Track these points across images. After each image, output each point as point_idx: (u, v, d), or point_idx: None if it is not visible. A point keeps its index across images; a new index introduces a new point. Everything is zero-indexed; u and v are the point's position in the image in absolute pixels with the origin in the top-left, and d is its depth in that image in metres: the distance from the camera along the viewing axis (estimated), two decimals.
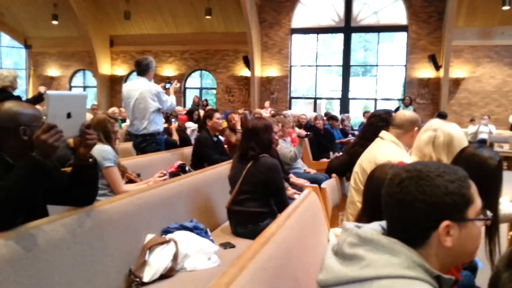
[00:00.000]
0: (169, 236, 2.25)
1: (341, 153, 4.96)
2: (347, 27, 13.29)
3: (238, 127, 5.12)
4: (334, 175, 3.31)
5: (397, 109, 10.23)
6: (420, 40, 12.42)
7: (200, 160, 4.17)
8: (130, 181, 3.07)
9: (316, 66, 14.07)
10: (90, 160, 1.72)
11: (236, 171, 2.82)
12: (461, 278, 1.11)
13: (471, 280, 2.00)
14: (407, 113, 2.54)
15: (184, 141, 5.90)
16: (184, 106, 13.21)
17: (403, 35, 12.97)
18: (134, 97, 4.09)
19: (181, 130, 6.31)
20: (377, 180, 1.45)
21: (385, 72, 14.03)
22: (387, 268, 0.88)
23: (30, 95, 14.48)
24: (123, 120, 9.00)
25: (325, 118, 7.96)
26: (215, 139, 4.43)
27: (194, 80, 15.64)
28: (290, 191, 3.58)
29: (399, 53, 13.30)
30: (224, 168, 3.43)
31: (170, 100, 4.25)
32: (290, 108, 12.89)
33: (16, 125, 1.59)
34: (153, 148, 4.16)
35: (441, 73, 11.92)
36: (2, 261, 1.37)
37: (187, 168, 3.50)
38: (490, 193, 1.45)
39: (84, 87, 16.79)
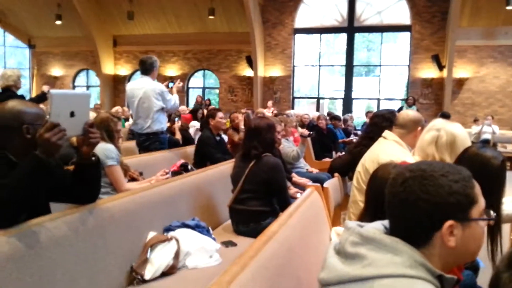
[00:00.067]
0: (171, 234, 2.26)
1: (343, 153, 4.96)
2: (350, 27, 13.27)
3: (242, 126, 5.12)
4: (336, 174, 3.30)
5: (400, 109, 10.20)
6: (423, 40, 12.39)
7: (203, 159, 4.17)
8: (132, 179, 3.08)
9: (319, 66, 14.06)
10: (93, 158, 1.73)
11: (239, 170, 2.82)
12: (463, 277, 1.11)
13: (472, 280, 1.99)
14: (410, 113, 2.54)
15: (187, 140, 5.92)
16: (187, 106, 13.23)
17: (406, 35, 12.93)
18: (138, 96, 4.09)
19: (184, 129, 6.33)
20: (380, 179, 1.45)
21: (388, 72, 14.00)
22: (389, 267, 0.88)
23: (33, 95, 14.53)
24: (126, 119, 9.02)
25: (327, 117, 7.95)
26: (217, 138, 4.43)
27: (197, 80, 15.66)
28: (292, 190, 3.58)
29: (403, 53, 13.27)
30: (226, 167, 3.43)
31: (174, 99, 4.26)
32: (293, 108, 12.88)
33: (20, 123, 1.60)
34: (157, 146, 4.17)
35: (445, 73, 11.88)
36: (4, 258, 1.37)
37: (189, 167, 3.51)
38: (493, 193, 1.44)
39: (88, 87, 16.83)
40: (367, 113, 10.13)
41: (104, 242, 1.84)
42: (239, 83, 14.51)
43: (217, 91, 15.15)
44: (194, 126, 6.94)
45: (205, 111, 8.12)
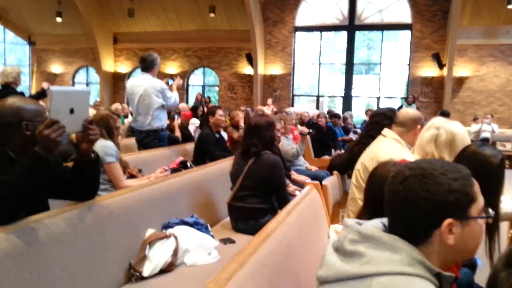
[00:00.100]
0: (169, 231, 2.26)
1: (343, 151, 4.95)
2: (351, 25, 13.25)
3: (241, 124, 5.12)
4: (335, 172, 3.30)
5: (400, 107, 10.20)
6: (424, 38, 12.38)
7: (202, 157, 4.17)
8: (131, 176, 3.08)
9: (320, 64, 14.04)
10: (92, 155, 1.73)
11: (238, 167, 2.82)
12: (461, 275, 1.11)
13: (470, 278, 2.00)
14: (410, 111, 2.53)
15: (186, 137, 5.91)
16: (187, 103, 13.22)
17: (407, 34, 12.92)
18: (138, 93, 4.08)
19: (184, 126, 6.32)
20: (379, 177, 1.45)
21: (388, 71, 13.97)
22: (387, 265, 0.88)
23: (33, 92, 14.52)
24: (126, 116, 9.01)
25: (327, 115, 7.94)
26: (217, 135, 4.43)
27: (197, 77, 15.65)
28: (291, 187, 3.59)
29: (403, 51, 13.25)
30: (225, 164, 3.43)
31: (174, 96, 4.25)
32: (292, 106, 12.87)
33: (19, 120, 1.60)
34: (156, 144, 4.17)
35: (445, 71, 11.87)
36: (3, 255, 1.37)
37: (188, 164, 3.51)
38: (492, 191, 1.44)
39: (87, 84, 16.82)
40: (367, 111, 10.12)
41: (102, 239, 1.84)
42: (239, 81, 14.50)
43: (217, 88, 15.14)
44: (194, 123, 6.94)
45: (205, 109, 8.12)
